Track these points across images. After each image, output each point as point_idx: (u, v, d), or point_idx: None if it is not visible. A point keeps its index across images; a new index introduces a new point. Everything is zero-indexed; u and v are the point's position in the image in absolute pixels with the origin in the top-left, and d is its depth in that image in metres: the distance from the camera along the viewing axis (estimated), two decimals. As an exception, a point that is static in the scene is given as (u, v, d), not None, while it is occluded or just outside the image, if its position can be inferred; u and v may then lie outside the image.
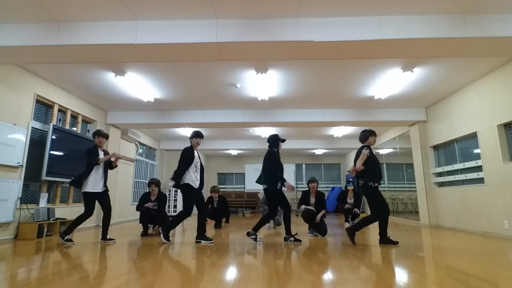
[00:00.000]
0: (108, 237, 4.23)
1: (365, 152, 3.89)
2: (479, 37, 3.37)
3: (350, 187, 6.45)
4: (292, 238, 4.12)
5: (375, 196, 3.85)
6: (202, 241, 4.11)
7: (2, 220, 4.34)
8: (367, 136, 4.08)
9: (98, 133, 4.34)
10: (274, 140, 4.31)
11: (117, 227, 6.48)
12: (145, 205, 5.04)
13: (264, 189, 4.18)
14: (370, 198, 3.88)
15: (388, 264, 2.77)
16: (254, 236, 4.13)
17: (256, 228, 4.15)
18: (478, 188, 5.27)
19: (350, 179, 6.58)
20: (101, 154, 4.32)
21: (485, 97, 5.13)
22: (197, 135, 4.24)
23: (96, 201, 4.22)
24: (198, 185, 4.15)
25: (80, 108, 6.23)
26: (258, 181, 4.24)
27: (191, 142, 4.27)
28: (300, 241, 4.16)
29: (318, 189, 5.14)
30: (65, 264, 2.82)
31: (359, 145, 4.17)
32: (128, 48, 3.61)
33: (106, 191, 4.32)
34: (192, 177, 4.08)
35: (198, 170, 4.23)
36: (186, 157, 4.09)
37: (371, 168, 3.86)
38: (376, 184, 3.86)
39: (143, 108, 6.91)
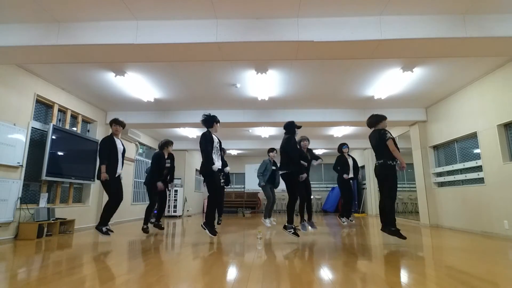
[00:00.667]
0: (108, 227, 4.20)
1: (391, 136, 4.02)
2: (479, 37, 3.37)
3: (345, 150, 6.37)
4: (292, 230, 4.12)
5: (395, 175, 3.95)
6: (207, 230, 4.19)
7: (2, 220, 4.34)
8: (380, 120, 4.19)
9: (115, 121, 4.44)
10: (291, 127, 4.40)
11: (117, 227, 6.47)
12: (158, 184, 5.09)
13: (282, 174, 4.24)
14: (390, 178, 3.94)
15: (388, 264, 2.77)
16: (292, 230, 4.14)
17: (290, 221, 4.17)
18: (478, 188, 5.27)
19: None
20: (118, 143, 4.40)
21: (485, 97, 5.13)
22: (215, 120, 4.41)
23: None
24: (220, 165, 4.31)
25: (80, 108, 6.23)
26: (280, 169, 4.29)
27: (208, 128, 4.37)
28: (298, 236, 4.17)
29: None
30: (65, 264, 2.82)
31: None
32: (128, 48, 3.61)
33: (119, 176, 4.36)
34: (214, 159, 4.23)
35: (219, 152, 4.42)
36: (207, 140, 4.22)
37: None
38: (394, 163, 3.94)
39: (143, 108, 6.91)
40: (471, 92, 5.46)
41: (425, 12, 3.38)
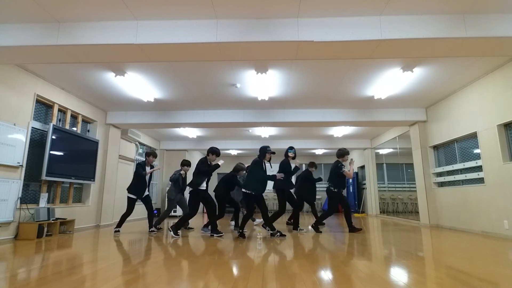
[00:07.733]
0: (151, 228, 5.48)
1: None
2: (479, 37, 3.37)
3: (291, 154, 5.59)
4: (278, 233, 4.78)
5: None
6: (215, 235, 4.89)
7: (2, 220, 4.34)
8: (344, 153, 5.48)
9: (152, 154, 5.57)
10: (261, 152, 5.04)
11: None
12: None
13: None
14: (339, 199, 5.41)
15: (388, 264, 2.77)
16: (275, 232, 4.73)
17: (270, 222, 4.84)
18: (478, 188, 5.27)
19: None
20: (147, 169, 5.55)
21: (485, 97, 5.13)
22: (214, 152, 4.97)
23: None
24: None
25: (80, 108, 6.23)
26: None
27: (208, 157, 4.95)
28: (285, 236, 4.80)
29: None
30: (65, 264, 2.82)
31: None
32: (128, 48, 3.61)
33: (148, 195, 5.54)
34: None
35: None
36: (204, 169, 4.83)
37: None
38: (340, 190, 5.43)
39: (143, 108, 6.91)
40: (471, 92, 5.46)
41: (425, 12, 3.38)
